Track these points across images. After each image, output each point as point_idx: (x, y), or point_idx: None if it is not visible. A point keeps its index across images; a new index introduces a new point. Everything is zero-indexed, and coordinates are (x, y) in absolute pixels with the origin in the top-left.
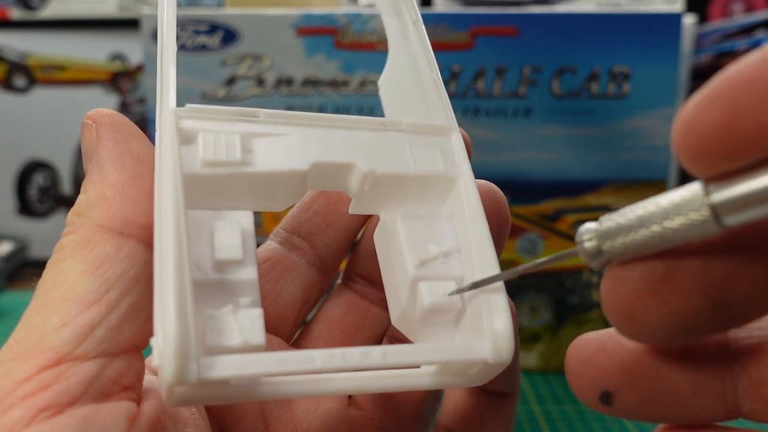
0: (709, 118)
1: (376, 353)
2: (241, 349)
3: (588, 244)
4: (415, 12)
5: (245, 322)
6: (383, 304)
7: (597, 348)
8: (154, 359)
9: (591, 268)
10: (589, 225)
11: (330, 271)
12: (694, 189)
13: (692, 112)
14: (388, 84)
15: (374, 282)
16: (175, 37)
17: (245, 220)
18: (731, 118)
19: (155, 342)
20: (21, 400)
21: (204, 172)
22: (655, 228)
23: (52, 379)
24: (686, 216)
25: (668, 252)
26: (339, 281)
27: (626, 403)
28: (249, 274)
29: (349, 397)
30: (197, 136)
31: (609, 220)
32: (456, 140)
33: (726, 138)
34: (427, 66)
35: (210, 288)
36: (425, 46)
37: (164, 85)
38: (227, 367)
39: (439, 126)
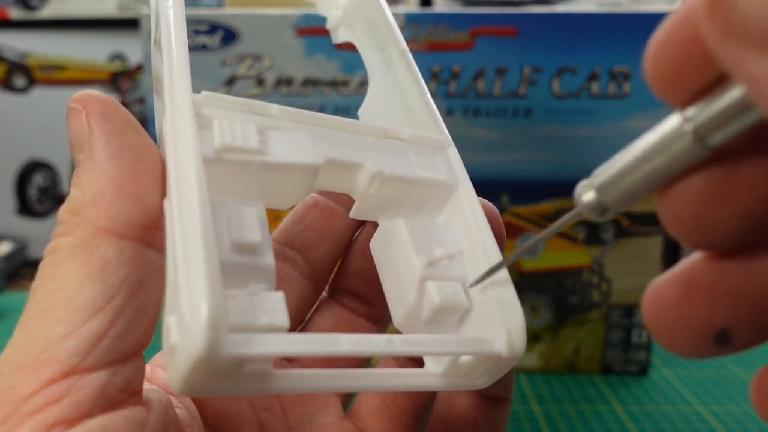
0: (671, 50)
1: (399, 341)
2: (266, 329)
3: (587, 199)
4: (402, 43)
5: (268, 303)
6: (371, 318)
7: (686, 289)
8: (171, 338)
9: (595, 221)
10: (585, 182)
11: (322, 282)
12: (673, 121)
13: (656, 47)
14: (370, 115)
15: (362, 297)
16: (185, 21)
17: (260, 208)
18: (687, 47)
19: (171, 321)
20: (30, 416)
21: (220, 156)
22: (648, 168)
23: (62, 393)
24: (673, 148)
25: (719, 153)
26: (325, 294)
27: (745, 336)
28: (267, 259)
29: (345, 409)
30: (212, 123)
31: (602, 173)
32: (453, 153)
33: (685, 63)
34: (417, 90)
35: (229, 269)
36: (414, 73)
37: (177, 71)
38: (262, 345)
39: (436, 139)
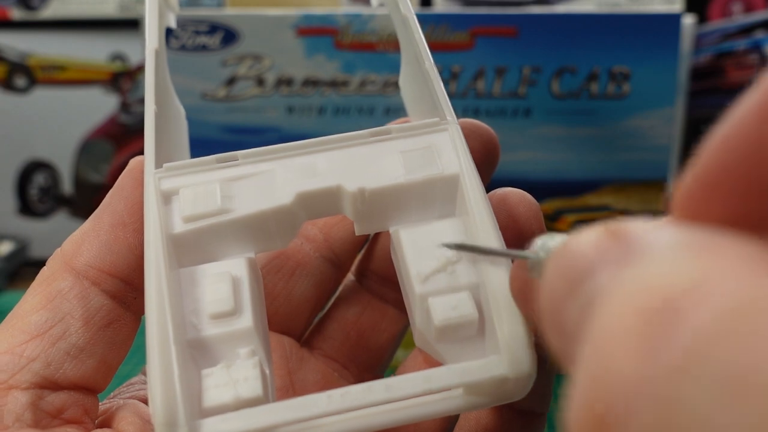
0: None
1: (378, 386)
2: (235, 405)
3: (539, 256)
4: (408, 7)
5: (240, 374)
6: (400, 305)
7: None
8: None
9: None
10: (543, 242)
11: (344, 265)
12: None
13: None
14: (404, 82)
15: (390, 281)
16: (154, 100)
17: (237, 267)
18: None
19: (150, 410)
20: None
21: (186, 228)
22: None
23: None
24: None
25: None
26: (352, 279)
27: None
28: (244, 322)
29: None
30: (178, 193)
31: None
32: (453, 133)
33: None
34: (422, 58)
35: (207, 345)
36: (419, 38)
37: (146, 150)
38: (216, 429)
39: (432, 122)
